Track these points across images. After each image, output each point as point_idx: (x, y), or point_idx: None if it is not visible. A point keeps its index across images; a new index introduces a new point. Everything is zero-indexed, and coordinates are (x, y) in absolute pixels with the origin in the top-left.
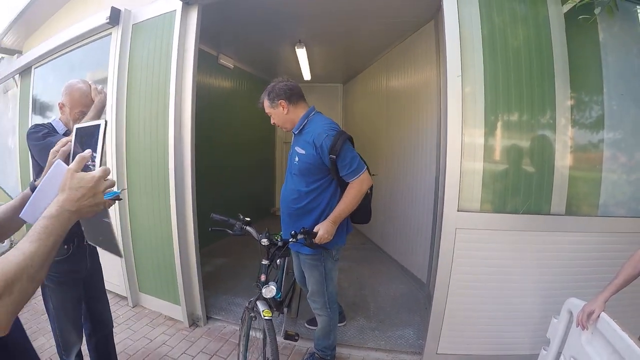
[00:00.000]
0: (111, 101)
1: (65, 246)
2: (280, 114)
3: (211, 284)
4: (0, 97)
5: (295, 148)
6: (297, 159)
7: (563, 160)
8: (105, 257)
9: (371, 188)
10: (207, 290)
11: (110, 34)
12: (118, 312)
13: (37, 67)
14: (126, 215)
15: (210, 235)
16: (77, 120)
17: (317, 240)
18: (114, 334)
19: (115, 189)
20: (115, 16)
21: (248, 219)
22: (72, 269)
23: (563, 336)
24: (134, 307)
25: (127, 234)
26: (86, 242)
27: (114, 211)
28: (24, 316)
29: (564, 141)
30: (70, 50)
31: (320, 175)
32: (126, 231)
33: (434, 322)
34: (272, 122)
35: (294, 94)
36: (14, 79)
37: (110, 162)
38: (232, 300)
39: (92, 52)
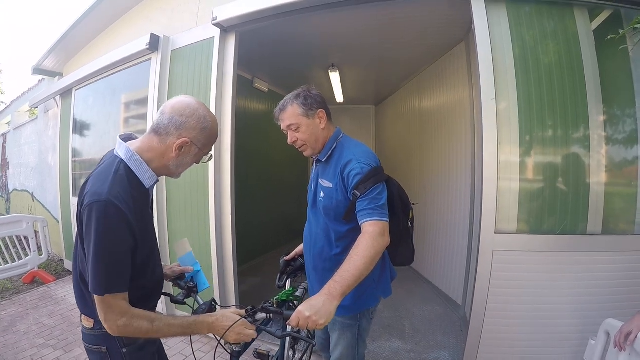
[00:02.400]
0: (151, 124)
1: None
2: (315, 126)
3: (246, 303)
4: (40, 116)
5: (320, 181)
6: (322, 194)
7: (598, 177)
8: None
9: (412, 219)
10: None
11: (150, 59)
12: None
13: (77, 89)
14: (165, 236)
15: (244, 256)
16: (196, 162)
17: (293, 322)
18: None
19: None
20: (154, 43)
21: (193, 284)
22: (154, 350)
23: (601, 358)
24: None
25: (165, 253)
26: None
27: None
28: (60, 327)
29: (599, 159)
30: (111, 74)
31: (354, 215)
32: (164, 250)
33: (471, 344)
34: (292, 139)
35: (328, 107)
36: (54, 99)
37: None
38: None
39: (131, 74)
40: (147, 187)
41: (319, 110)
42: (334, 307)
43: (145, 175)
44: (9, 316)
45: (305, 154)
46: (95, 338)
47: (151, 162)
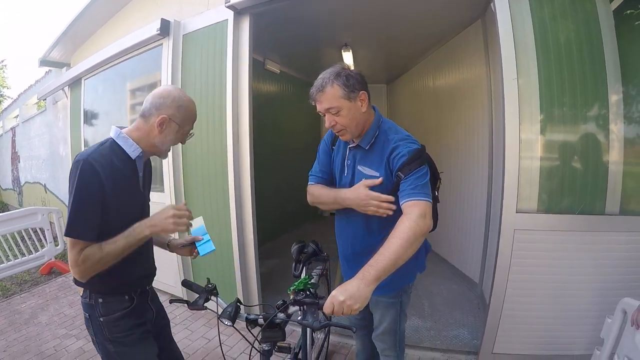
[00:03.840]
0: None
1: (126, 297)
2: (356, 110)
3: (265, 285)
4: (49, 108)
5: (360, 168)
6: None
7: (616, 157)
8: (160, 258)
9: (438, 188)
10: (262, 290)
11: (161, 44)
12: (175, 313)
13: (86, 79)
14: None
15: (263, 237)
16: (181, 139)
17: (328, 308)
18: (173, 334)
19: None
20: (165, 27)
21: (212, 285)
22: (139, 322)
23: (617, 336)
24: (186, 305)
25: (183, 236)
26: (148, 287)
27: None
28: (82, 316)
29: (617, 138)
30: (121, 62)
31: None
32: (182, 233)
33: (491, 322)
34: (330, 123)
35: (367, 88)
36: (63, 90)
37: (167, 169)
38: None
39: (141, 61)
40: (132, 157)
41: (361, 92)
42: (369, 292)
43: (130, 148)
44: (30, 308)
45: (343, 138)
46: (84, 305)
47: (139, 141)
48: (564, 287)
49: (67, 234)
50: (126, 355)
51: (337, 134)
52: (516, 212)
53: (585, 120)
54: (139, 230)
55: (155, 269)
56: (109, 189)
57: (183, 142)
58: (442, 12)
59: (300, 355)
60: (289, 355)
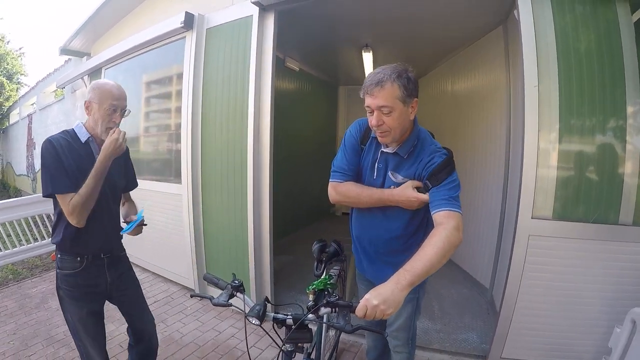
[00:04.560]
0: (187, 102)
1: (78, 258)
2: (406, 115)
3: (275, 281)
4: (67, 96)
5: (390, 174)
6: (393, 188)
7: (632, 169)
8: (173, 248)
9: None
10: (275, 286)
11: (184, 37)
12: (186, 304)
13: (107, 69)
14: (199, 212)
15: (276, 234)
16: (108, 116)
17: (360, 312)
18: (183, 324)
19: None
20: (189, 21)
21: (238, 281)
22: (87, 284)
23: (625, 346)
24: (201, 299)
25: (199, 228)
26: (104, 255)
27: (187, 207)
28: None
29: (634, 150)
30: (142, 53)
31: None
32: (198, 225)
33: (501, 326)
34: (378, 122)
35: None
36: (82, 79)
37: (186, 161)
38: (297, 297)
39: (161, 53)
40: (82, 140)
41: (415, 100)
42: (403, 297)
43: (81, 133)
44: (40, 293)
45: (382, 140)
46: None
47: (88, 128)
48: (575, 294)
49: (49, 193)
50: (65, 303)
51: (379, 134)
52: (532, 218)
53: (602, 130)
54: (97, 164)
55: (113, 242)
56: (64, 158)
57: (117, 120)
58: (464, 17)
59: (313, 355)
60: (302, 355)
